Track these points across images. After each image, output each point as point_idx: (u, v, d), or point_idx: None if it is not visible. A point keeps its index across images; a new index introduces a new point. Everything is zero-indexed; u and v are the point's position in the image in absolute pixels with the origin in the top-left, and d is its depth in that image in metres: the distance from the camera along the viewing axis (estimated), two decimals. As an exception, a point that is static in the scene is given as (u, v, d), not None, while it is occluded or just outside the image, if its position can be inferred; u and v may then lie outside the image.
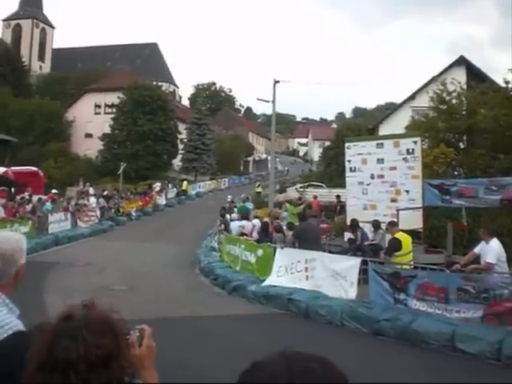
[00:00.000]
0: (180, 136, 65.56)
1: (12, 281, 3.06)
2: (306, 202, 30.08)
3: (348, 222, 18.74)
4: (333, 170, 46.26)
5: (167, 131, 61.43)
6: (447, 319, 10.85)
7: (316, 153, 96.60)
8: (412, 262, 13.27)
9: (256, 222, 20.21)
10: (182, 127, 66.61)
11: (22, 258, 3.11)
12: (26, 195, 27.90)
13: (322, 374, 1.26)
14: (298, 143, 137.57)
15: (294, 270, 14.49)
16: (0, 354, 2.53)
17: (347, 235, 18.78)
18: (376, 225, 16.33)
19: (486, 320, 10.67)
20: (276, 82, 33.14)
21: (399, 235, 13.16)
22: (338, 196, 30.63)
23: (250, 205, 29.33)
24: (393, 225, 13.80)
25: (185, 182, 52.44)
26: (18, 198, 27.60)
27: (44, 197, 29.87)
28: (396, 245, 12.98)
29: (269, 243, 16.48)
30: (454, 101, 23.51)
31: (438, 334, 10.15)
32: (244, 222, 19.73)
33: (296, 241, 15.34)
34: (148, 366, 2.06)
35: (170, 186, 50.55)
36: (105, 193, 36.40)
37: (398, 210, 16.79)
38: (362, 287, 12.89)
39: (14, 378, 2.50)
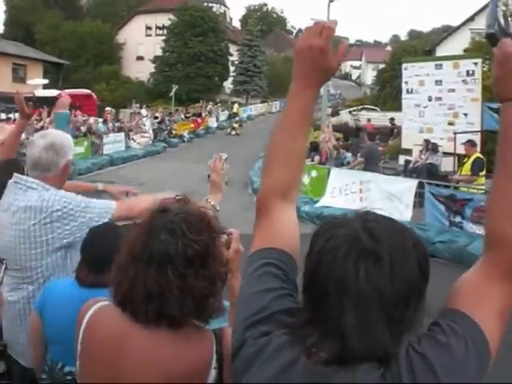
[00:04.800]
0: (231, 58, 64.90)
1: (59, 174, 3.11)
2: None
3: (403, 145, 18.52)
4: (387, 94, 45.39)
5: (218, 53, 60.83)
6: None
7: (369, 76, 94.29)
8: (484, 187, 12.88)
9: None
10: (233, 49, 65.83)
11: (70, 153, 3.15)
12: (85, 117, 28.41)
13: (391, 222, 1.38)
14: (351, 66, 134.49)
15: (348, 192, 14.46)
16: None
17: (402, 158, 18.59)
18: (434, 148, 16.11)
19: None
20: (330, 0, 32.21)
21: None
22: (392, 119, 30.17)
23: None
24: (473, 144, 13.37)
25: (235, 105, 52.14)
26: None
27: (100, 119, 30.25)
28: (481, 164, 12.59)
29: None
30: (517, 20, 22.49)
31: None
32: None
33: (363, 162, 15.19)
34: (235, 269, 2.05)
35: (221, 108, 50.38)
36: (156, 115, 36.60)
37: (455, 134, 16.44)
38: (416, 210, 12.79)
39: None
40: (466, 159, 13.21)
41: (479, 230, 11.38)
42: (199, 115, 42.16)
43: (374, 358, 1.27)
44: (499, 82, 1.53)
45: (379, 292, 1.26)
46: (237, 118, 42.98)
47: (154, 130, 32.35)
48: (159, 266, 1.73)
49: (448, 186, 12.95)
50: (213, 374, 1.78)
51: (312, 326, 1.33)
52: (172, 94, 45.17)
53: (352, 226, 1.33)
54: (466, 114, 17.42)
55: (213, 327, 1.90)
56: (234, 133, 38.67)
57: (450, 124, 17.76)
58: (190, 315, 1.79)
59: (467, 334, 1.33)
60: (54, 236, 2.88)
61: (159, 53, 62.70)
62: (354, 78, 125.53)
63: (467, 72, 17.49)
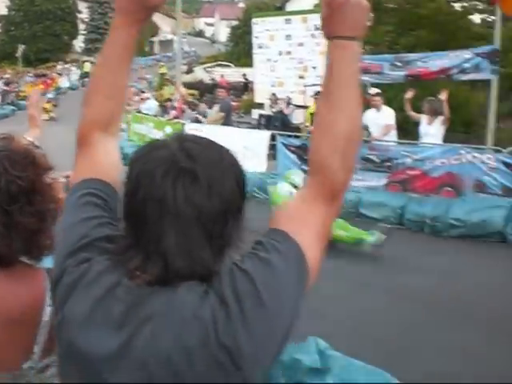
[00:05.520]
0: (81, 16, 62.50)
1: None
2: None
3: (256, 100, 18.81)
4: (240, 50, 45.72)
5: (66, 10, 58.53)
6: (352, 188, 11.28)
7: (223, 33, 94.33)
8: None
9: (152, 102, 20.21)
10: (82, 6, 63.29)
11: None
12: None
13: (208, 142, 1.40)
14: (205, 23, 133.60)
15: (202, 146, 14.53)
16: None
17: (255, 112, 18.90)
18: (288, 101, 16.62)
19: (390, 187, 11.21)
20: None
21: None
22: (244, 74, 30.60)
23: None
24: None
25: (87, 64, 50.20)
26: None
27: None
28: None
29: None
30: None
31: (343, 201, 10.55)
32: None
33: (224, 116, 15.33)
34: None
35: (72, 68, 48.49)
36: (5, 76, 34.79)
37: (305, 86, 16.92)
38: (272, 162, 13.14)
39: None
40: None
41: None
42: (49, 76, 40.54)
43: (196, 276, 1.31)
44: (326, 21, 1.55)
45: (198, 210, 1.28)
46: (48, 95, 32.60)
47: (0, 92, 30.80)
48: None
49: (299, 137, 13.42)
50: (47, 311, 1.78)
51: (134, 250, 1.33)
52: (19, 54, 42.97)
53: (169, 148, 1.33)
54: (315, 67, 17.93)
55: (48, 266, 1.90)
56: (46, 117, 24.76)
57: (301, 77, 18.24)
58: (20, 252, 1.78)
59: (287, 251, 1.38)
60: None
61: (4, 12, 59.17)
62: (207, 35, 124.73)
63: (315, 26, 17.89)
